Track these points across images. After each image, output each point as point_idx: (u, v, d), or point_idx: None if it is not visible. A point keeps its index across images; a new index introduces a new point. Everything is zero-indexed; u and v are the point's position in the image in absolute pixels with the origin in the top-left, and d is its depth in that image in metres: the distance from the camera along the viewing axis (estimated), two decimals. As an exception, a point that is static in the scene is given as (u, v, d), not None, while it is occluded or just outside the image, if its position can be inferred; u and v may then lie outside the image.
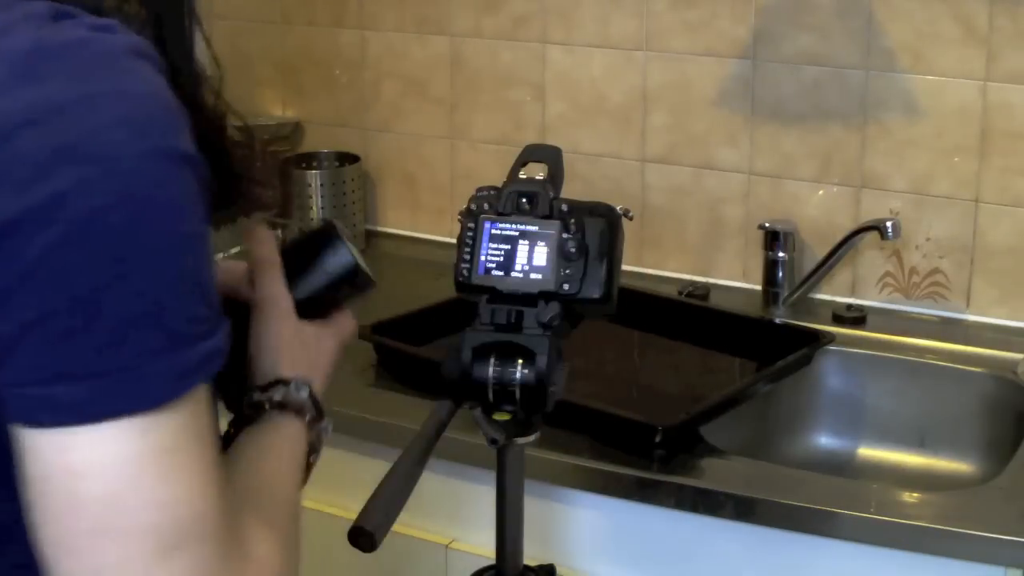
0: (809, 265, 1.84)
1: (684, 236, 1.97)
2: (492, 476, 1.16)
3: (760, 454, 1.60)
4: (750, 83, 1.87)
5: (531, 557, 1.21)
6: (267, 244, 0.98)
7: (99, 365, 0.68)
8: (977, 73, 1.72)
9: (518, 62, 2.03)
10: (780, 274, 1.84)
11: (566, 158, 1.18)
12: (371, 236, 2.20)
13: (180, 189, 0.72)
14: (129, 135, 0.69)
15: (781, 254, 1.83)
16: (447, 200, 2.14)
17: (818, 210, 1.86)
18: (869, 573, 1.34)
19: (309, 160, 2.19)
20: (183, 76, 0.84)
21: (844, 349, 1.73)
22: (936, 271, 1.81)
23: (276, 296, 0.96)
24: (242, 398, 0.93)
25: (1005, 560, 1.28)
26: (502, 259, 1.12)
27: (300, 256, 0.99)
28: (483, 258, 1.12)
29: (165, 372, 0.70)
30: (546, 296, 1.10)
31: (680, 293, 1.89)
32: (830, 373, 1.74)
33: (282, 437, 0.92)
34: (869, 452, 1.73)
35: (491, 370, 1.07)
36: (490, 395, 1.07)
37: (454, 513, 1.54)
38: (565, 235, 1.12)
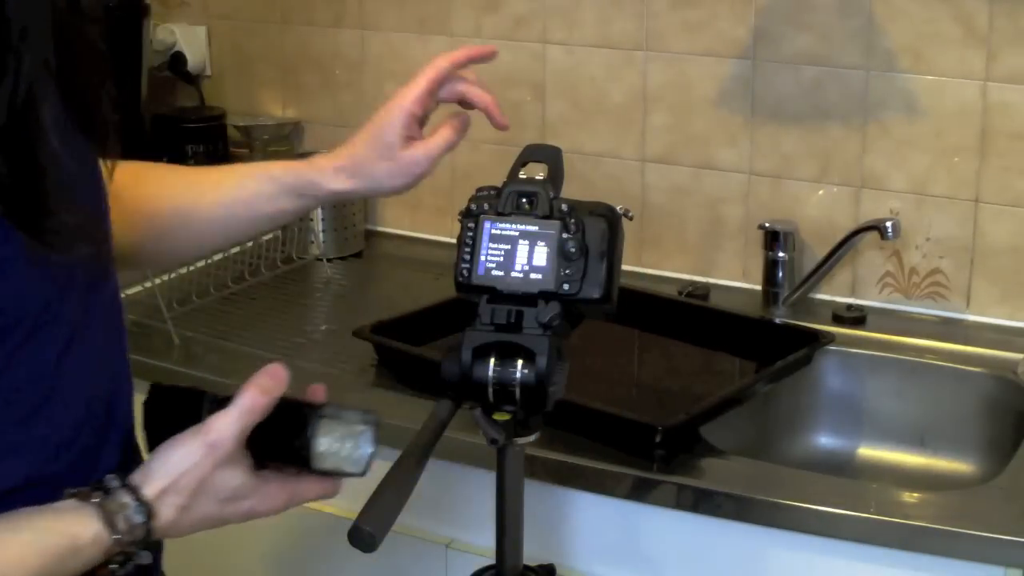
0: (809, 265, 1.84)
1: (684, 236, 1.97)
2: (492, 476, 1.16)
3: (760, 454, 1.60)
4: (750, 83, 1.87)
5: (531, 557, 1.21)
6: (260, 392, 0.96)
7: None
8: (977, 73, 1.72)
9: (518, 62, 2.03)
10: (780, 274, 1.84)
11: (566, 158, 1.18)
12: (371, 236, 2.20)
13: None
14: None
15: (781, 254, 1.83)
16: (447, 200, 2.14)
17: (818, 210, 1.86)
18: (869, 573, 1.34)
19: (309, 160, 2.19)
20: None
21: (844, 349, 1.73)
22: (936, 271, 1.81)
23: (215, 437, 0.94)
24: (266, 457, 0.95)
25: (1005, 560, 1.28)
26: (502, 259, 1.12)
27: (278, 426, 0.97)
28: (483, 258, 1.12)
29: None
30: (546, 296, 1.10)
31: (680, 293, 1.89)
32: (830, 373, 1.74)
33: (68, 523, 0.89)
34: (869, 452, 1.73)
35: (491, 370, 1.07)
36: (490, 395, 1.07)
37: (454, 513, 1.54)
38: (565, 235, 1.12)
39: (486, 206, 1.14)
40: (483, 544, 1.39)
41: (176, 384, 1.01)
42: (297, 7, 2.23)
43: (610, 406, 1.49)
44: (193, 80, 2.32)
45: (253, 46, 2.29)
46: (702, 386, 1.70)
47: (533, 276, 1.10)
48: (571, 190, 1.16)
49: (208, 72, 2.34)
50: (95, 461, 0.97)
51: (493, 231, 1.13)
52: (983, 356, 1.70)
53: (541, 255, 1.11)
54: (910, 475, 1.68)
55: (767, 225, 1.84)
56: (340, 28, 2.19)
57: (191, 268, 1.88)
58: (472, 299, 1.12)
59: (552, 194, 1.14)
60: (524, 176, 1.15)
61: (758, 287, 1.87)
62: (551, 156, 1.17)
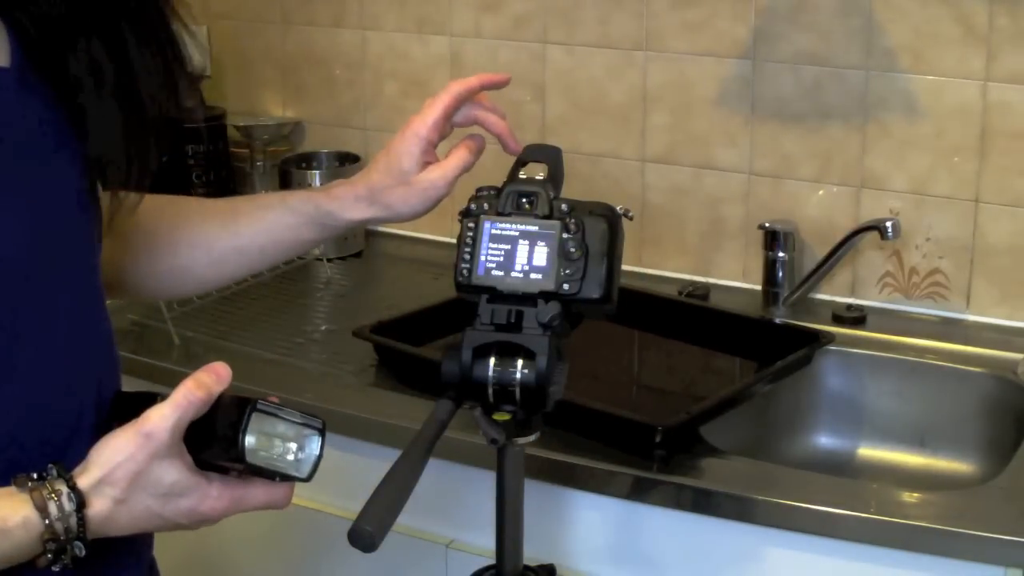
0: (809, 265, 1.84)
1: (684, 236, 1.97)
2: (492, 476, 1.16)
3: (760, 454, 1.60)
4: (750, 83, 1.87)
5: (531, 557, 1.21)
6: (196, 386, 0.95)
7: None
8: (977, 73, 1.72)
9: (518, 62, 2.03)
10: (780, 274, 1.84)
11: (566, 158, 1.18)
12: (371, 236, 2.20)
13: None
14: None
15: (781, 254, 1.83)
16: (447, 200, 2.13)
17: (818, 210, 1.86)
18: (869, 573, 1.34)
19: (309, 160, 2.19)
20: None
21: (844, 349, 1.73)
22: (936, 271, 1.81)
23: (150, 427, 0.93)
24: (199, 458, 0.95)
25: (1005, 560, 1.28)
26: (502, 259, 1.12)
27: (216, 422, 0.96)
28: (483, 258, 1.12)
29: None
30: (546, 296, 1.10)
31: (680, 293, 1.89)
32: (830, 373, 1.74)
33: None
34: (869, 452, 1.73)
35: (491, 370, 1.07)
36: (490, 395, 1.07)
37: (454, 513, 1.54)
38: (565, 235, 1.12)
39: (486, 206, 1.14)
40: (483, 544, 1.39)
41: (138, 390, 1.02)
42: (297, 7, 2.23)
43: (610, 406, 1.49)
44: (193, 80, 2.32)
45: (253, 46, 2.29)
46: (702, 386, 1.70)
47: (533, 276, 1.10)
48: (571, 190, 1.16)
49: (208, 72, 2.34)
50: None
51: (493, 231, 1.13)
52: (983, 356, 1.70)
53: (541, 255, 1.11)
54: (910, 475, 1.68)
55: (767, 225, 1.84)
56: (340, 28, 2.19)
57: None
58: (472, 299, 1.12)
59: (552, 194, 1.14)
60: (524, 176, 1.16)
61: (758, 287, 1.87)
62: (551, 156, 1.17)
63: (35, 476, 0.91)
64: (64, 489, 0.91)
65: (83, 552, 0.92)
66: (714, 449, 1.45)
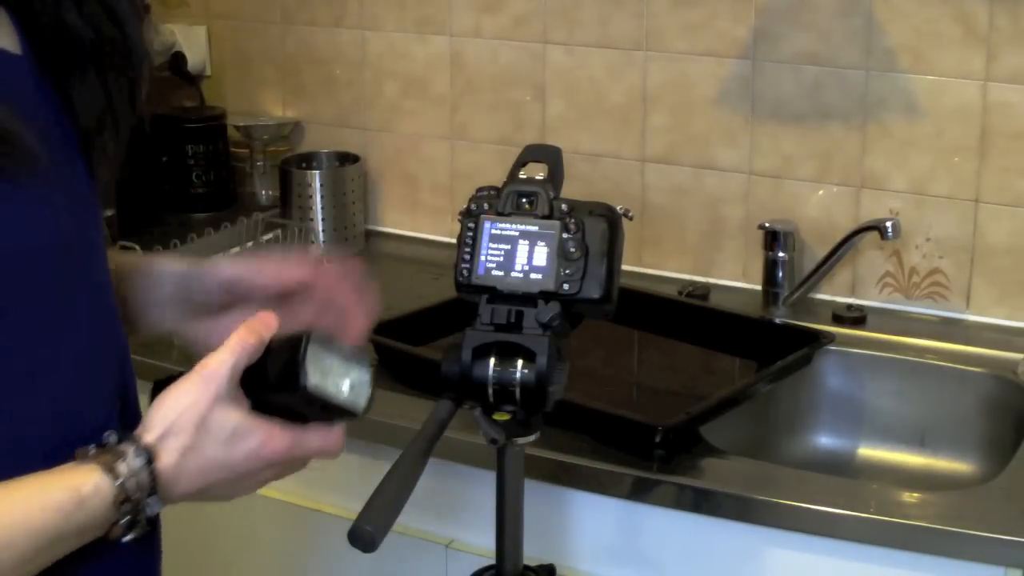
0: (809, 265, 1.84)
1: (684, 236, 1.97)
2: (492, 476, 1.16)
3: (760, 454, 1.60)
4: (750, 83, 1.87)
5: (531, 557, 1.21)
6: (252, 330, 0.95)
7: None
8: (977, 73, 1.72)
9: (518, 62, 2.03)
10: (780, 274, 1.84)
11: (566, 158, 1.18)
12: (371, 236, 2.20)
13: None
14: None
15: (781, 254, 1.83)
16: (447, 200, 2.14)
17: (818, 210, 1.86)
18: (869, 573, 1.34)
19: (309, 160, 2.19)
20: None
21: (844, 349, 1.73)
22: (936, 271, 1.81)
23: (210, 371, 0.93)
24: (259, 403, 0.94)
25: (1005, 560, 1.28)
26: (502, 259, 1.12)
27: (271, 363, 0.96)
28: (483, 258, 1.12)
29: None
30: (546, 296, 1.10)
31: (680, 293, 1.89)
32: (830, 373, 1.74)
33: (71, 475, 0.88)
34: (869, 452, 1.73)
35: (491, 370, 1.07)
36: (490, 395, 1.07)
37: (454, 513, 1.54)
38: (565, 235, 1.12)
39: (486, 206, 1.14)
40: (483, 544, 1.39)
41: (174, 371, 1.01)
42: (297, 7, 2.23)
43: (610, 406, 1.49)
44: (193, 80, 2.32)
45: (253, 46, 2.29)
46: (702, 386, 1.70)
47: (533, 276, 1.10)
48: (571, 190, 1.16)
49: (208, 72, 2.34)
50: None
51: (493, 231, 1.13)
52: (983, 356, 1.70)
53: (541, 255, 1.11)
54: (910, 475, 1.68)
55: (767, 225, 1.84)
56: (340, 28, 2.19)
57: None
58: (472, 299, 1.12)
59: (552, 194, 1.14)
60: (524, 176, 1.15)
61: (758, 287, 1.87)
62: (551, 156, 1.17)
63: (94, 446, 0.90)
64: (130, 448, 0.90)
65: (157, 510, 0.90)
66: (714, 449, 1.45)
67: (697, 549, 1.42)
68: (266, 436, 0.94)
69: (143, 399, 1.02)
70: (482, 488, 1.23)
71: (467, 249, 1.13)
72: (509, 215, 1.13)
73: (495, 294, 1.11)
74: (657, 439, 1.42)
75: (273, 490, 1.61)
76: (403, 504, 1.00)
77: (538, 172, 1.15)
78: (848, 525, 1.32)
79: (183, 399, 0.92)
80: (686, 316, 1.82)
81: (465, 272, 1.12)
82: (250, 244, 1.98)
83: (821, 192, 1.86)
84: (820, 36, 1.81)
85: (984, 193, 1.76)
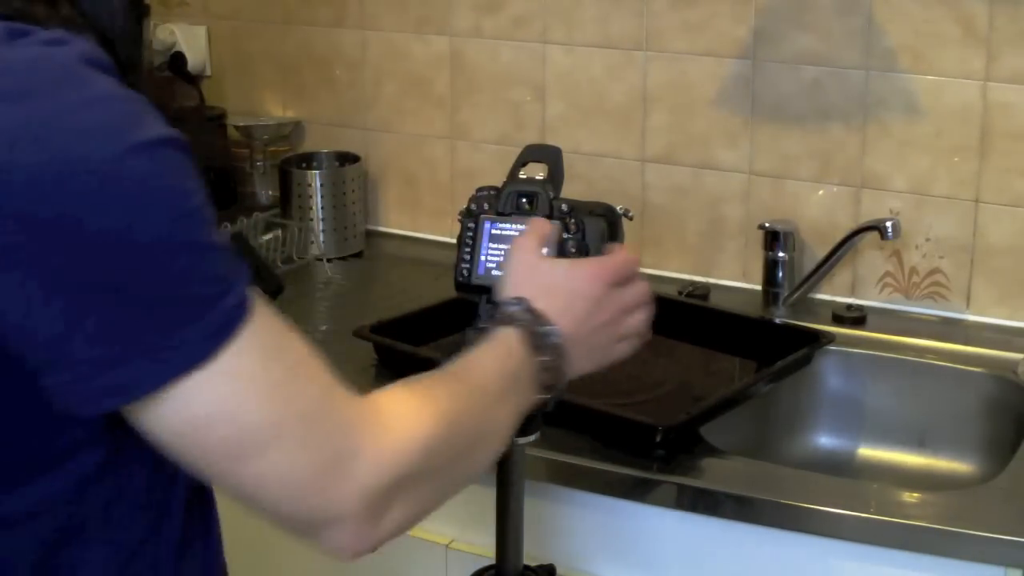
0: (809, 265, 1.84)
1: (684, 236, 1.97)
2: (492, 476, 1.16)
3: (760, 454, 1.60)
4: (750, 83, 1.87)
5: (531, 557, 1.21)
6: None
7: (148, 345, 0.76)
8: (977, 73, 1.72)
9: (518, 62, 2.03)
10: (780, 274, 1.84)
11: (566, 158, 1.18)
12: (371, 236, 2.20)
13: (168, 171, 0.77)
14: (106, 140, 0.75)
15: (781, 254, 1.83)
16: (447, 200, 2.14)
17: (818, 210, 1.86)
18: (869, 573, 1.34)
19: (309, 160, 2.19)
20: (130, 69, 0.87)
21: (844, 349, 1.73)
22: (936, 271, 1.81)
23: (519, 240, 1.09)
24: None
25: (1005, 560, 1.28)
26: (502, 259, 1.12)
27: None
28: (483, 258, 1.12)
29: (206, 331, 0.78)
30: (546, 296, 1.10)
31: (680, 293, 1.89)
32: (830, 373, 1.74)
33: (487, 340, 1.00)
34: (869, 452, 1.73)
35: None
36: (490, 395, 1.06)
37: (454, 513, 1.53)
38: (565, 235, 1.12)
39: (486, 206, 1.14)
40: (483, 544, 1.39)
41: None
42: (297, 7, 2.23)
43: (610, 406, 1.49)
44: (193, 80, 2.32)
45: (253, 46, 2.29)
46: (702, 386, 1.70)
47: (533, 276, 1.10)
48: (571, 190, 1.16)
49: (208, 72, 2.34)
50: None
51: (493, 231, 1.13)
52: (983, 356, 1.70)
53: (541, 255, 1.11)
54: (910, 475, 1.68)
55: (767, 225, 1.84)
56: (340, 28, 2.19)
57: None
58: (472, 299, 1.12)
59: (552, 194, 1.14)
60: (524, 176, 1.16)
61: (758, 287, 1.87)
62: (551, 156, 1.17)
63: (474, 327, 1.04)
64: (520, 312, 1.02)
65: (559, 337, 1.03)
66: (714, 449, 1.45)
67: (697, 549, 1.42)
68: (593, 261, 1.12)
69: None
70: (482, 488, 1.23)
71: (467, 249, 1.13)
72: (509, 215, 1.13)
73: (495, 294, 1.11)
74: (657, 439, 1.42)
75: (273, 490, 1.61)
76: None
77: (538, 172, 1.16)
78: (848, 525, 1.32)
79: (518, 264, 1.07)
80: (686, 316, 1.82)
81: (465, 272, 1.13)
82: (250, 244, 1.98)
83: (821, 192, 1.86)
84: (820, 36, 1.81)
85: (984, 193, 1.76)
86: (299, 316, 1.90)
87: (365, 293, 2.02)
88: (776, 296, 1.84)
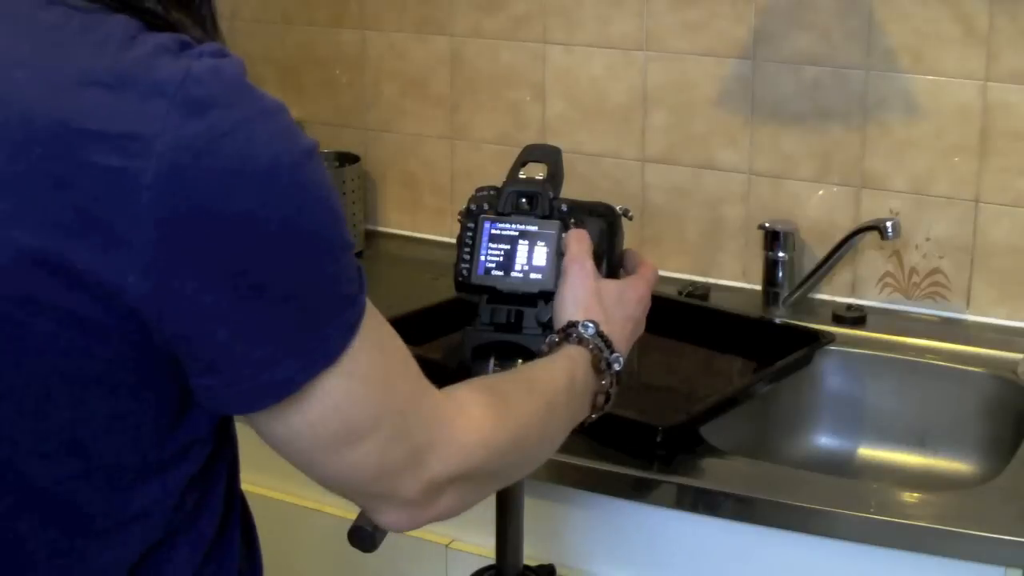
0: (809, 265, 1.84)
1: (684, 236, 1.97)
2: (492, 476, 1.16)
3: (760, 454, 1.60)
4: (750, 83, 1.87)
5: (531, 557, 1.21)
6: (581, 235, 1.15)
7: (297, 343, 0.79)
8: (977, 73, 1.72)
9: (518, 62, 2.03)
10: (780, 274, 1.84)
11: (566, 158, 1.18)
12: (371, 236, 2.20)
13: (326, 175, 0.82)
14: (283, 148, 0.78)
15: (781, 254, 1.83)
16: (447, 200, 2.14)
17: (818, 210, 1.86)
18: (869, 573, 1.34)
19: (309, 160, 2.19)
20: None
21: (844, 349, 1.73)
22: (936, 271, 1.81)
23: (579, 259, 1.12)
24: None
25: (1005, 560, 1.28)
26: (502, 259, 1.12)
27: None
28: (483, 258, 1.12)
29: (342, 328, 0.82)
30: (546, 296, 1.10)
31: (680, 293, 1.89)
32: (830, 373, 1.74)
33: (558, 355, 1.06)
34: (869, 452, 1.73)
35: (491, 370, 1.07)
36: (490, 395, 1.06)
37: (454, 513, 1.54)
38: (565, 235, 1.12)
39: (486, 206, 1.14)
40: (483, 544, 1.39)
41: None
42: (297, 7, 2.23)
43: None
44: (193, 80, 2.32)
45: (253, 46, 2.29)
46: (702, 386, 1.70)
47: (533, 276, 1.10)
48: (571, 190, 1.16)
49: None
50: None
51: (493, 231, 1.13)
52: (983, 356, 1.70)
53: (541, 255, 1.11)
54: (910, 475, 1.68)
55: (767, 225, 1.84)
56: (341, 28, 2.19)
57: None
58: (472, 299, 1.12)
59: (552, 194, 1.14)
60: (524, 176, 1.16)
61: (758, 287, 1.87)
62: (551, 156, 1.17)
63: (558, 336, 1.09)
64: (578, 327, 1.08)
65: (621, 364, 1.10)
66: (714, 449, 1.45)
67: (697, 549, 1.42)
68: (638, 284, 1.19)
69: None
70: (482, 488, 1.23)
71: (467, 249, 1.13)
72: (509, 215, 1.13)
73: (495, 294, 1.11)
74: (657, 439, 1.42)
75: (273, 490, 1.62)
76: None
77: (538, 172, 1.16)
78: (848, 525, 1.32)
79: (580, 288, 1.11)
80: (686, 316, 1.82)
81: (465, 272, 1.12)
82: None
83: (821, 192, 1.86)
84: (820, 36, 1.81)
85: (984, 193, 1.76)
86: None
87: (365, 293, 2.01)
88: (776, 296, 1.84)
